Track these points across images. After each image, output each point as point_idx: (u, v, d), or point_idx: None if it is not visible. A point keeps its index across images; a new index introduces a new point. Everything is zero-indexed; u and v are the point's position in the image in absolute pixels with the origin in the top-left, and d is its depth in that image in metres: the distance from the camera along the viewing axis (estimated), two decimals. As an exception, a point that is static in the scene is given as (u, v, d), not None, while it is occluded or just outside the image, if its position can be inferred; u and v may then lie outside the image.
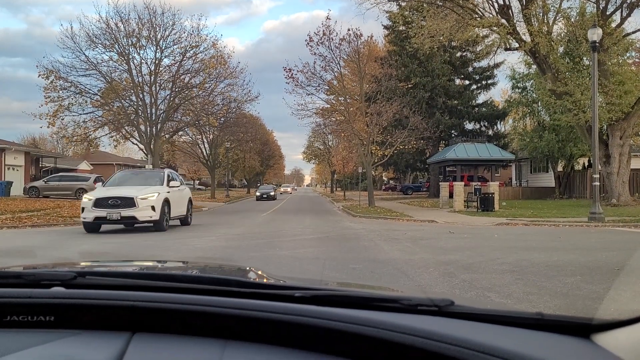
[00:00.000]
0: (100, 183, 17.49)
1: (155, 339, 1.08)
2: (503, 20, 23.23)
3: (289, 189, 73.69)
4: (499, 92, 56.97)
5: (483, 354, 0.90)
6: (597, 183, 16.66)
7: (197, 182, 76.05)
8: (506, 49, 26.44)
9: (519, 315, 1.16)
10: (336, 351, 1.02)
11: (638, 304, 4.01)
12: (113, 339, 1.06)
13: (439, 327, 1.00)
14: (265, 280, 1.61)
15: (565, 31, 25.83)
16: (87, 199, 13.65)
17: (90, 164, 56.91)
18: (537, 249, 9.43)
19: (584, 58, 25.95)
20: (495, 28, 23.77)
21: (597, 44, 16.69)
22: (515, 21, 23.56)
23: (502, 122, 41.60)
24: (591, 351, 0.99)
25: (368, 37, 40.33)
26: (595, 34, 16.52)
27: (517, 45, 24.31)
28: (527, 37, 23.45)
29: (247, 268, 1.89)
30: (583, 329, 1.05)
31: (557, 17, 24.31)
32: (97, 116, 27.72)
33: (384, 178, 71.85)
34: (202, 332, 1.09)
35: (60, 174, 35.49)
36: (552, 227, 15.49)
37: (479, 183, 25.05)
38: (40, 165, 43.95)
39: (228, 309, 1.09)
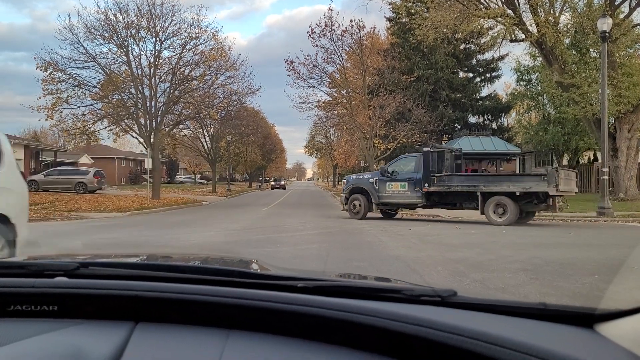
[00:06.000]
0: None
1: (158, 329, 1.09)
2: (509, 11, 22.74)
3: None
4: (502, 86, 56.31)
5: (486, 343, 0.90)
6: (606, 177, 16.24)
7: (198, 176, 75.75)
8: (511, 41, 25.93)
9: (522, 305, 1.14)
10: (339, 341, 1.02)
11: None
12: (116, 328, 1.07)
13: (442, 317, 1.00)
14: (267, 271, 1.61)
15: (572, 22, 25.35)
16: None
17: (91, 158, 56.55)
18: (549, 246, 9.06)
19: (591, 50, 25.48)
20: (500, 19, 23.29)
21: (607, 34, 16.23)
22: (521, 12, 23.07)
23: (505, 116, 41.06)
24: (594, 340, 0.99)
25: (371, 28, 39.78)
26: (605, 24, 16.07)
27: (523, 36, 23.83)
28: (533, 28, 22.98)
29: (249, 259, 1.88)
30: (586, 319, 1.05)
31: (564, 8, 23.82)
32: (95, 109, 27.31)
33: (386, 172, 71.26)
34: (205, 322, 1.09)
35: (60, 167, 35.13)
36: (560, 221, 15.11)
37: (484, 177, 24.59)
38: (40, 159, 43.59)
39: (231, 299, 1.09)
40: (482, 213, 14.40)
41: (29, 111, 25.97)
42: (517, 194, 13.84)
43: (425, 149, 16.00)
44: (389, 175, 16.06)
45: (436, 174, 15.39)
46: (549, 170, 14.41)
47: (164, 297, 1.11)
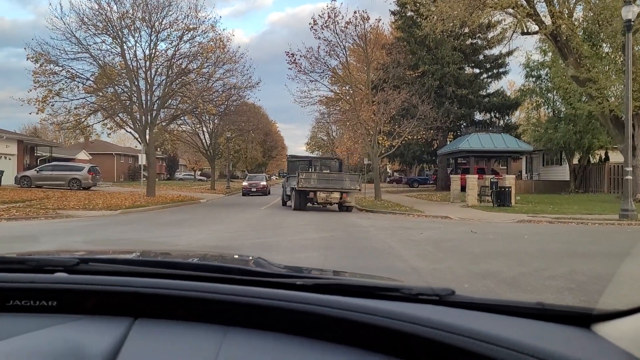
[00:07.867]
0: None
1: (157, 325, 1.09)
2: (522, 1, 21.60)
3: None
4: (506, 85, 55.03)
5: (484, 342, 0.90)
6: (630, 177, 15.10)
7: (198, 172, 74.67)
8: (523, 33, 24.78)
9: (519, 305, 1.11)
10: (337, 338, 1.01)
11: None
12: (115, 324, 1.07)
13: (439, 315, 0.99)
14: (266, 269, 1.52)
15: (584, 15, 24.17)
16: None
17: (89, 154, 55.50)
18: (584, 256, 7.93)
19: (604, 44, 24.32)
20: (511, 10, 22.16)
21: (632, 23, 15.08)
22: (535, 2, 21.92)
23: (511, 114, 39.81)
24: (591, 341, 0.99)
25: (376, 20, 38.60)
26: (630, 12, 14.92)
27: (536, 28, 22.68)
28: (547, 20, 21.84)
29: (249, 257, 1.80)
30: (584, 319, 1.04)
31: (579, -1, 22.65)
32: (89, 102, 26.19)
33: (388, 170, 70.25)
34: (204, 319, 1.09)
35: (54, 163, 34.06)
36: (580, 225, 14.00)
37: (494, 176, 23.49)
38: (36, 154, 42.54)
39: (229, 296, 1.09)
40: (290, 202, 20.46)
41: (19, 104, 24.77)
42: (296, 188, 19.06)
43: (287, 157, 21.63)
44: (284, 176, 22.84)
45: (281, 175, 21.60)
46: (298, 171, 19.38)
47: (163, 294, 1.11)
